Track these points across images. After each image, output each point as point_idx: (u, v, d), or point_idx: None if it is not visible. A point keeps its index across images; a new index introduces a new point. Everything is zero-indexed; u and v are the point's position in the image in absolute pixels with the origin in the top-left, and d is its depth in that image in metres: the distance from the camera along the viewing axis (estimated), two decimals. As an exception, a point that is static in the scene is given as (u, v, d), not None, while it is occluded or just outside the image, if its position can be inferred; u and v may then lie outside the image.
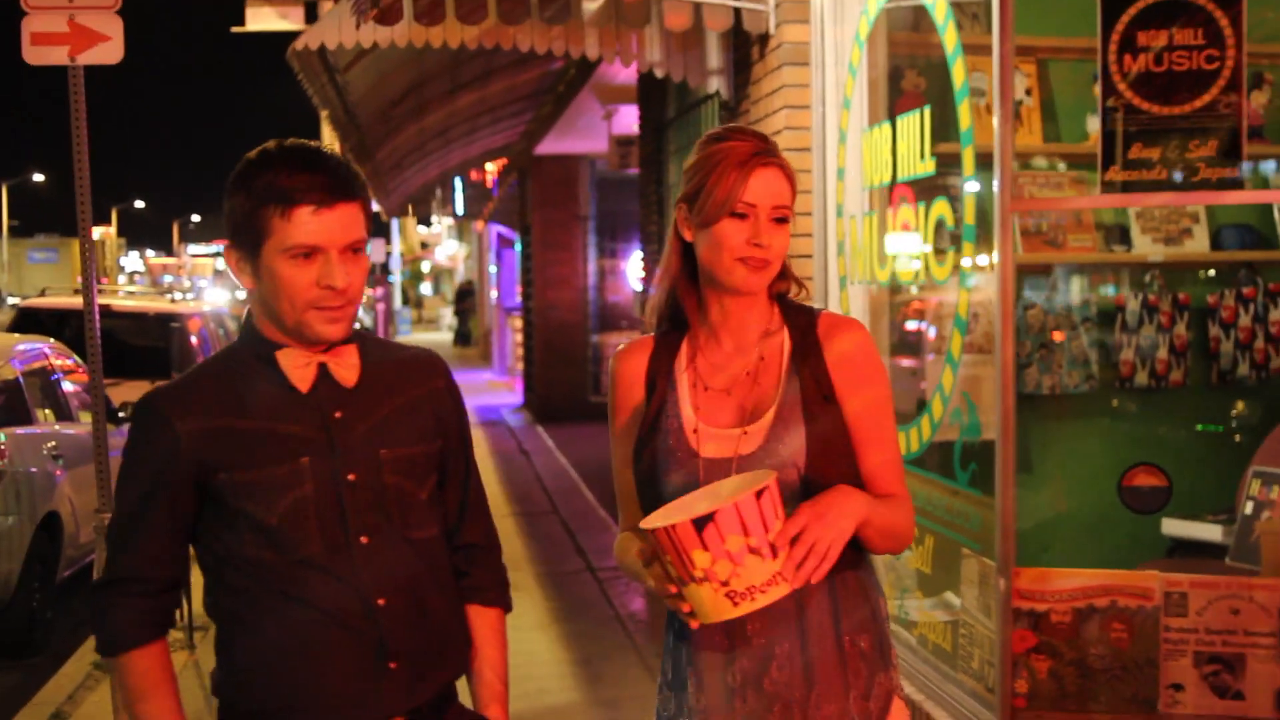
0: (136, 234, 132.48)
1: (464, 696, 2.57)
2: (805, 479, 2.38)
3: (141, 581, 2.42)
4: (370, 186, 16.93)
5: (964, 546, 4.26)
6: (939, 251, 4.32)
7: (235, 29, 20.01)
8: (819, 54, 5.28)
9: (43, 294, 14.87)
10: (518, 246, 22.90)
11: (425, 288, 66.40)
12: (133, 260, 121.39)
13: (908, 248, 4.56)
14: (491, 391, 21.57)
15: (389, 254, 41.03)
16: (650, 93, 8.77)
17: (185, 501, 2.40)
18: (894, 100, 4.78)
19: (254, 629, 2.40)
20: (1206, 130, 3.57)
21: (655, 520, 2.28)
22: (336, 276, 2.32)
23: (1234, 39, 3.56)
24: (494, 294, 29.94)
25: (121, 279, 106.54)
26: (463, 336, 37.79)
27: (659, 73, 6.15)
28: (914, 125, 4.39)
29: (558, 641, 6.78)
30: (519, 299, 21.38)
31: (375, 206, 22.17)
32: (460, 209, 26.11)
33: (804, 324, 2.50)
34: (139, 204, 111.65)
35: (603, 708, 5.78)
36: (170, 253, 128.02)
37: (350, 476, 2.39)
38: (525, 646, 6.45)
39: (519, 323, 20.49)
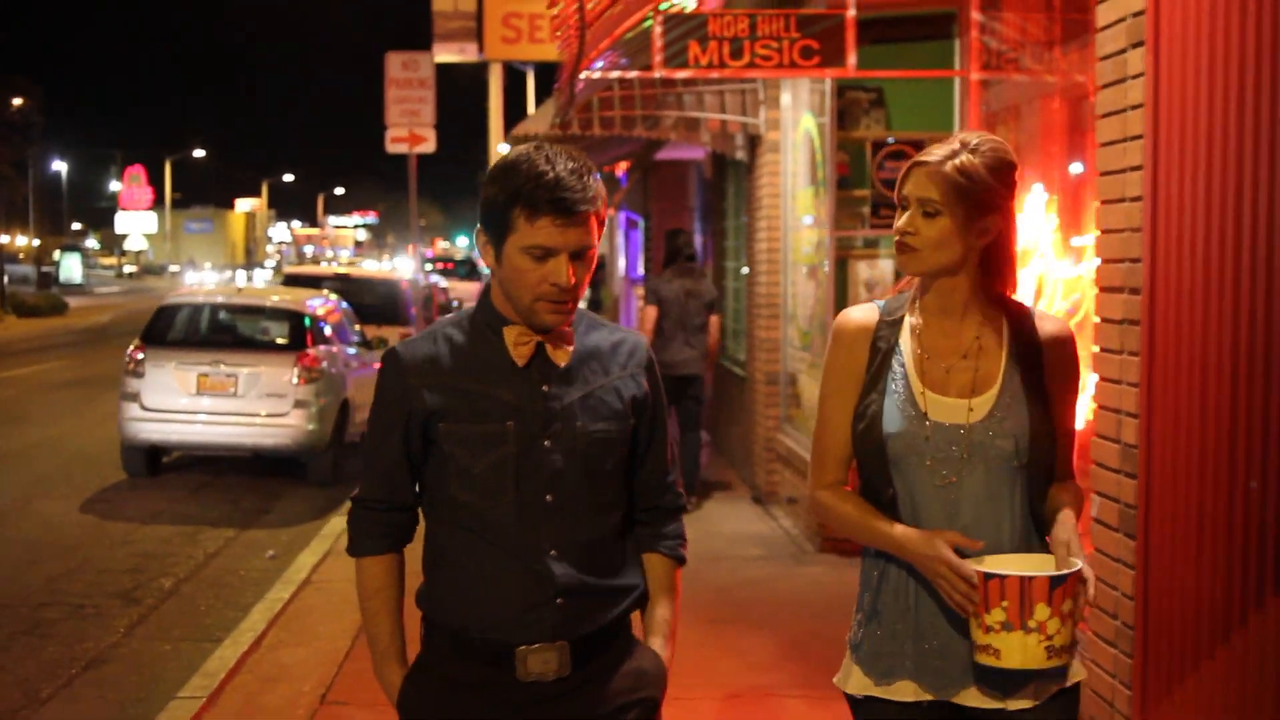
0: (285, 206, 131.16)
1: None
2: (1018, 453, 2.65)
3: (377, 501, 2.77)
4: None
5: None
6: (817, 251, 9.27)
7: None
8: (785, 146, 10.22)
9: (301, 264, 19.89)
10: (640, 227, 25.37)
11: (560, 261, 68.59)
12: (280, 231, 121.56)
13: (808, 249, 9.54)
14: (616, 350, 25.33)
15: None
16: (718, 141, 13.78)
17: (414, 440, 2.70)
18: (810, 175, 9.71)
19: (451, 557, 2.70)
20: (911, 203, 8.44)
21: (997, 569, 2.46)
22: (564, 277, 2.54)
23: (923, 165, 8.40)
24: (621, 266, 32.80)
25: (270, 248, 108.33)
26: (594, 303, 37.45)
27: (710, 148, 11.16)
28: (808, 194, 9.39)
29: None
30: (641, 271, 24.23)
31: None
32: (595, 194, 30.21)
33: (1020, 315, 2.76)
34: (288, 177, 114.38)
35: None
36: (314, 223, 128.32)
37: (547, 443, 2.64)
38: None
39: (641, 290, 22.59)
